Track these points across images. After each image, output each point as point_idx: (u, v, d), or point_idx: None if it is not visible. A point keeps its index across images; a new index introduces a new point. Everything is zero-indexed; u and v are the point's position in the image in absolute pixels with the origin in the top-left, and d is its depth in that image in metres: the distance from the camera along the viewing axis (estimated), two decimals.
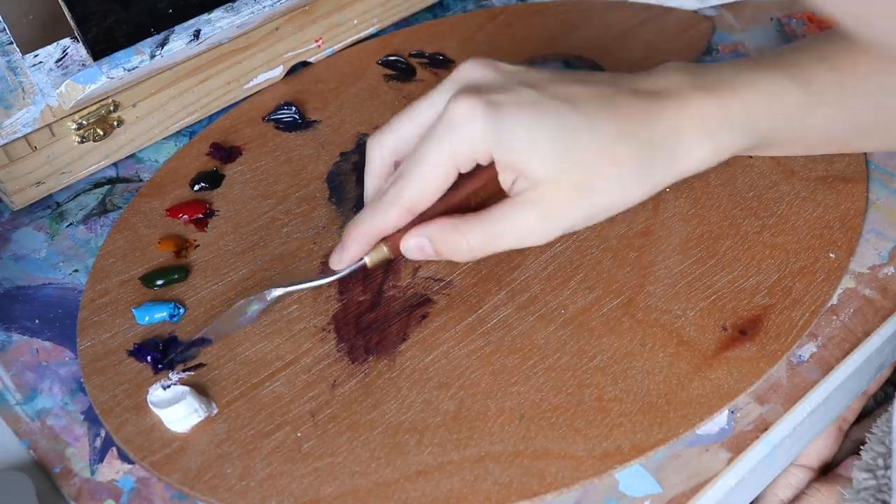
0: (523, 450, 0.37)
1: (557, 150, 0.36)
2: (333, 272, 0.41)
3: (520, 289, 0.44)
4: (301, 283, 0.42)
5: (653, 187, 0.39)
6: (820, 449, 0.46)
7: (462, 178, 0.39)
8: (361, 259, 0.40)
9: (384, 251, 0.40)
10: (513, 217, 0.38)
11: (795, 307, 0.42)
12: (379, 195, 0.39)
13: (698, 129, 0.39)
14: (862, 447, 0.43)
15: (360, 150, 0.53)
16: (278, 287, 0.42)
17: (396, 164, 0.41)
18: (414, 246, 0.39)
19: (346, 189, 0.50)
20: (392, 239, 0.40)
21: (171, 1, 0.49)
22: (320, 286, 0.43)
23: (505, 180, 0.38)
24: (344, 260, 0.40)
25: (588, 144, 0.37)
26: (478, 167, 0.39)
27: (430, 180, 0.38)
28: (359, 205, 0.49)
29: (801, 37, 0.58)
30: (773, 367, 0.40)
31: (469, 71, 0.39)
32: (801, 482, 0.45)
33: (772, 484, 0.45)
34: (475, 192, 0.40)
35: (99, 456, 0.39)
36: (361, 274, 0.45)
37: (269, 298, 0.42)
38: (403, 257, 0.46)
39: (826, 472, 0.46)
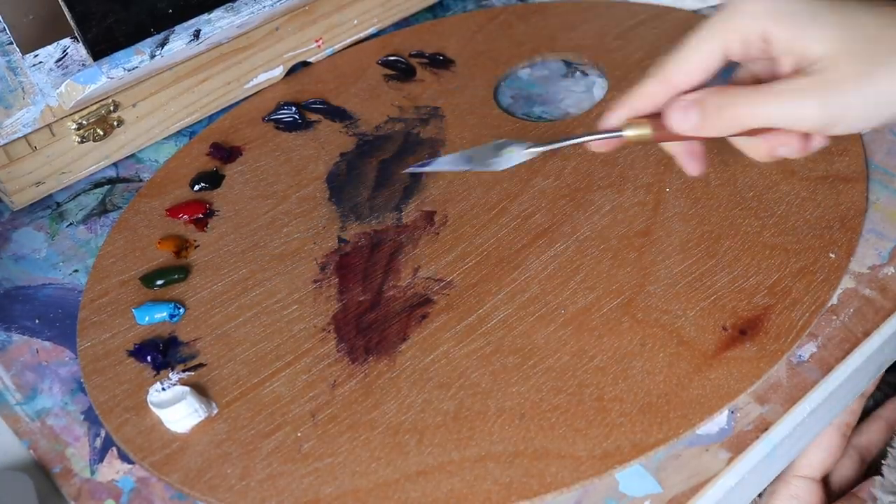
0: (523, 450, 0.37)
1: (839, 23, 0.35)
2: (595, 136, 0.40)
3: (520, 289, 0.44)
4: (559, 141, 0.41)
5: None
6: (823, 459, 0.45)
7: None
8: (621, 131, 0.39)
9: (647, 129, 0.39)
10: (791, 86, 0.35)
11: (795, 307, 0.42)
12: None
13: None
14: (884, 463, 0.42)
15: (360, 150, 0.53)
16: (536, 145, 0.42)
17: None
18: (681, 108, 0.37)
19: (346, 189, 0.50)
20: (656, 123, 0.39)
21: (171, 1, 0.49)
22: (577, 143, 0.41)
23: (784, 66, 0.37)
24: (606, 121, 0.40)
25: (868, 20, 0.35)
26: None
27: (695, 54, 0.37)
28: (359, 206, 0.49)
29: None
30: (773, 367, 0.40)
31: None
32: (804, 493, 0.44)
33: (774, 495, 0.44)
34: None
35: (99, 456, 0.39)
36: (361, 273, 0.45)
37: (525, 151, 0.42)
38: (404, 258, 0.46)
39: (826, 480, 0.46)
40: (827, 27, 0.35)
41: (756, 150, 0.39)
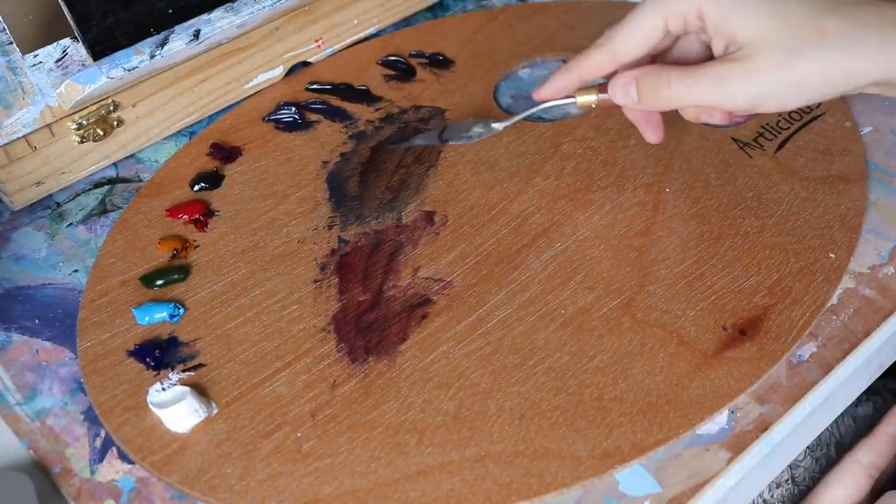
0: (523, 450, 0.37)
1: (767, 12, 0.37)
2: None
3: (520, 289, 0.44)
4: (514, 115, 0.47)
5: (854, 74, 0.37)
6: (845, 497, 0.42)
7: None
8: (572, 97, 0.44)
9: (593, 96, 0.43)
10: (718, 71, 0.38)
11: (795, 307, 0.42)
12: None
13: None
14: None
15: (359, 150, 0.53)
16: (498, 122, 0.47)
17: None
18: (620, 85, 0.41)
19: (346, 189, 0.50)
20: (603, 91, 0.43)
21: (171, 1, 0.49)
22: (531, 115, 0.46)
23: (716, 47, 0.39)
24: (545, 89, 0.44)
25: (795, 7, 0.37)
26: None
27: (637, 29, 0.40)
28: (358, 206, 0.49)
29: None
30: (773, 367, 0.40)
31: None
32: None
33: None
34: None
35: (99, 456, 0.39)
36: (361, 274, 0.45)
37: (492, 127, 0.47)
38: (404, 258, 0.46)
39: None
40: (755, 14, 0.37)
41: (685, 112, 0.42)
